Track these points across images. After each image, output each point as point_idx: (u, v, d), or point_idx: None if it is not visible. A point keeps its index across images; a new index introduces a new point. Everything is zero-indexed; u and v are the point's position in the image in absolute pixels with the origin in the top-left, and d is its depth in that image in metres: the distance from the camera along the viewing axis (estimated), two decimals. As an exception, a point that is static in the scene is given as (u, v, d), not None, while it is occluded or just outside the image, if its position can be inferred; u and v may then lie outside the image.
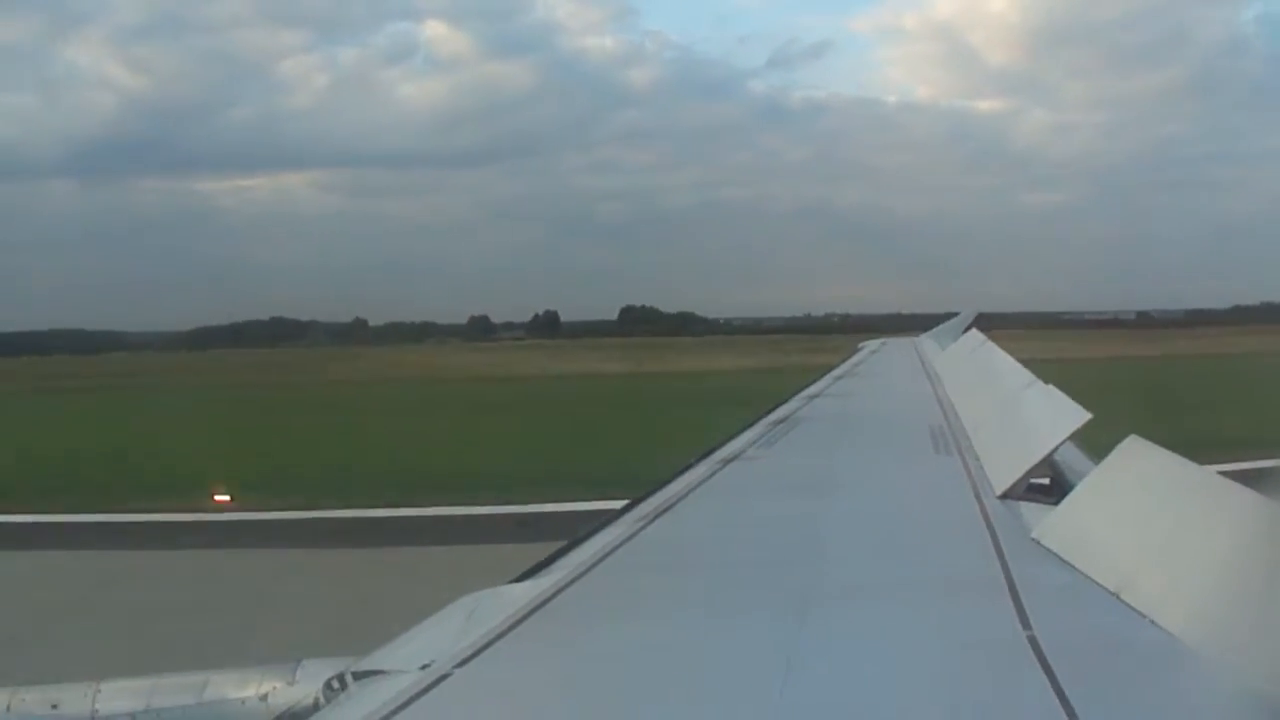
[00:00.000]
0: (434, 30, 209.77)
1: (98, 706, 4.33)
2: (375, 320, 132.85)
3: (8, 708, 4.42)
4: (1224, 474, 3.73)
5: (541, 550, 5.06)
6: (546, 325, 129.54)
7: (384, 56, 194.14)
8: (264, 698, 4.17)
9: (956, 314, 27.45)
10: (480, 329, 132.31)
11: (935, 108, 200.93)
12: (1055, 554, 4.27)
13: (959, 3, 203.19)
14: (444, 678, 3.30)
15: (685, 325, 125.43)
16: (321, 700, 3.78)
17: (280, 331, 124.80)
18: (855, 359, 21.05)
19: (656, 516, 5.76)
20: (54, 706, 4.40)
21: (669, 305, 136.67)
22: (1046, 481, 6.03)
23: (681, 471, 7.29)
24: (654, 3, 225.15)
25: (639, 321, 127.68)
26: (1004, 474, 5.93)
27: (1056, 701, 2.73)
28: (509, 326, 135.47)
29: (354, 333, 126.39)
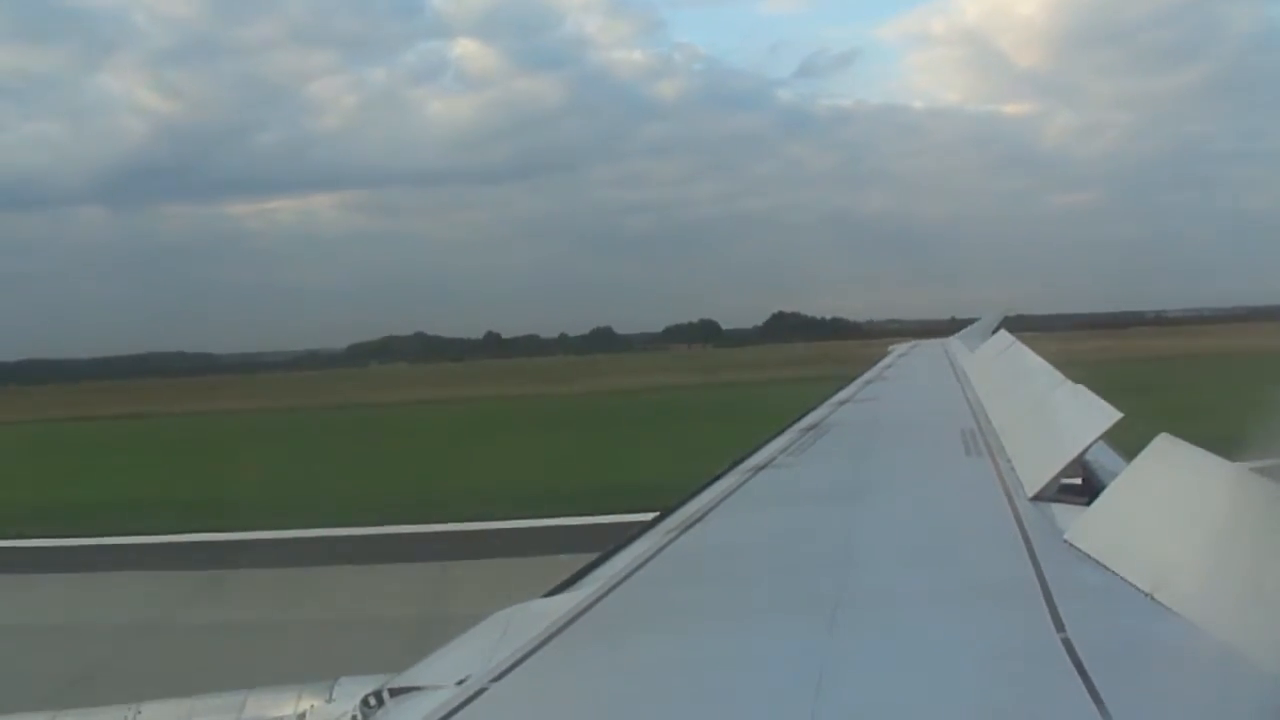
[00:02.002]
0: (464, 48, 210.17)
1: None
2: (507, 334, 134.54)
3: None
4: (1258, 470, 3.69)
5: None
6: (706, 334, 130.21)
7: (415, 74, 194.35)
8: (301, 716, 4.22)
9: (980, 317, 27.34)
10: (604, 340, 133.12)
11: (962, 111, 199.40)
12: (1088, 555, 4.24)
13: (986, 6, 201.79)
14: (480, 692, 3.33)
15: (837, 329, 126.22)
16: (358, 717, 3.81)
17: (431, 346, 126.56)
18: (885, 361, 21.23)
19: (688, 527, 5.78)
20: None
21: (813, 310, 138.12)
22: (1079, 482, 5.98)
23: (712, 481, 7.30)
24: (684, 15, 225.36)
25: (793, 328, 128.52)
26: (1035, 475, 5.88)
27: (1092, 705, 2.72)
28: (636, 337, 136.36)
29: (504, 346, 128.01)
